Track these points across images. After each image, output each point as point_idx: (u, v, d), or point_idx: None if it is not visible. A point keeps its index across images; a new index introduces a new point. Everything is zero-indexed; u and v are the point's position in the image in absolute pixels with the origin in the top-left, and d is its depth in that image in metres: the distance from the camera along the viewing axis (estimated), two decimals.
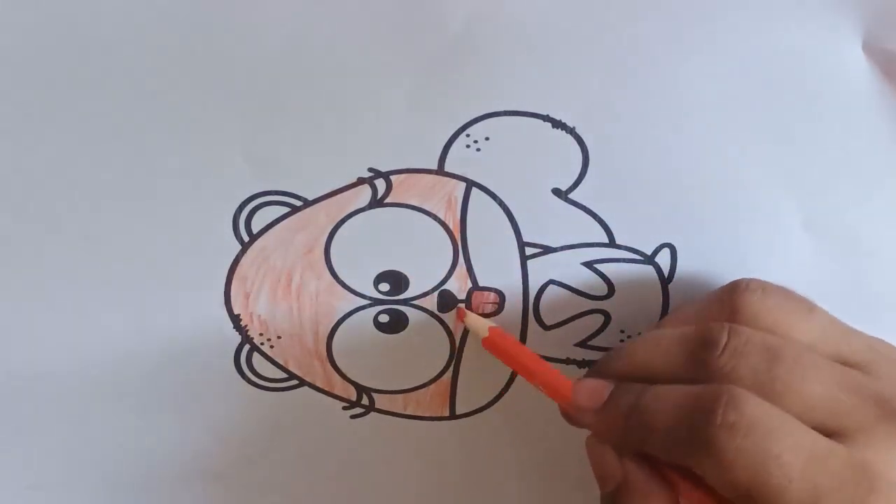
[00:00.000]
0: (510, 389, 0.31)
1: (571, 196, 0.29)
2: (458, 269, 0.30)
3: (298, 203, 0.28)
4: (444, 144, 0.28)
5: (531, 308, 0.30)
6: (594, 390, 0.26)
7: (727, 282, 0.29)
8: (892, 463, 0.22)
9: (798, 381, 0.23)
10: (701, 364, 0.24)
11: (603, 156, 0.28)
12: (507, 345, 0.29)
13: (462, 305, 0.30)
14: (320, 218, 0.29)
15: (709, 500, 0.23)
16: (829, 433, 0.23)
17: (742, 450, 0.22)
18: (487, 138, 0.28)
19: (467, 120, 0.28)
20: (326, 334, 0.30)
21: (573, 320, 0.30)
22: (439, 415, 0.31)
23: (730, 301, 0.26)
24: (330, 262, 0.29)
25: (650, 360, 0.25)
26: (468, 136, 0.28)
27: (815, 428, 0.23)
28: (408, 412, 0.31)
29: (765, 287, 0.26)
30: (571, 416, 0.26)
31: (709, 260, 0.30)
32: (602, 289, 0.30)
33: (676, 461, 0.24)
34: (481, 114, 0.28)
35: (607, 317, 0.30)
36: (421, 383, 0.31)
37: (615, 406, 0.25)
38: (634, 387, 0.25)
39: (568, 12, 0.26)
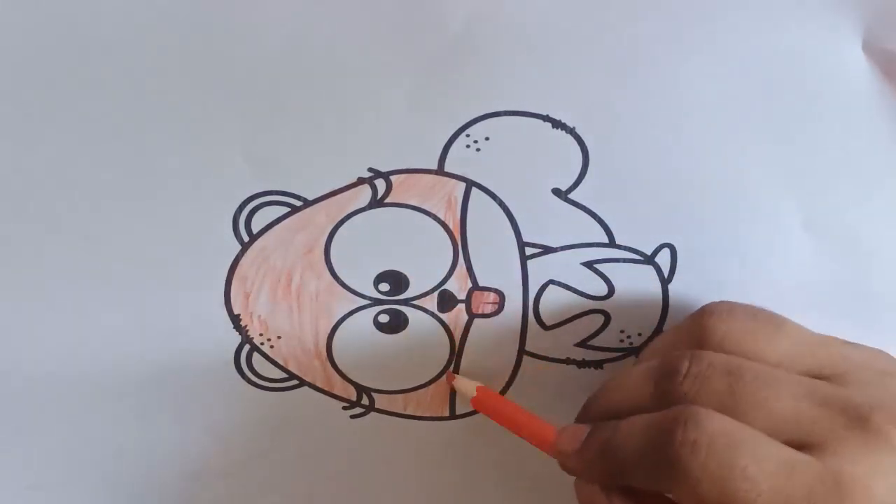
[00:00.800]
0: (510, 389, 0.31)
1: (571, 196, 0.29)
2: (458, 269, 0.30)
3: (298, 203, 0.28)
4: (444, 144, 0.28)
5: (531, 308, 0.30)
6: (573, 434, 0.26)
7: (728, 283, 0.30)
8: (866, 469, 0.22)
9: (762, 399, 0.23)
10: (665, 393, 0.24)
11: (603, 156, 0.28)
12: (493, 402, 0.30)
13: (451, 370, 0.31)
14: (320, 218, 0.29)
15: None
16: (799, 447, 0.23)
17: (706, 466, 0.22)
18: (487, 138, 0.28)
19: (467, 120, 0.28)
20: (326, 334, 0.30)
21: (573, 320, 0.30)
22: (439, 415, 0.32)
23: (696, 328, 0.26)
24: (330, 262, 0.29)
25: (620, 398, 0.26)
26: (468, 136, 0.28)
27: (785, 443, 0.23)
28: (408, 412, 0.31)
29: (731, 309, 0.26)
30: (561, 464, 0.27)
31: (709, 260, 0.30)
32: (602, 289, 0.30)
33: (652, 488, 0.24)
34: (481, 114, 0.28)
35: (607, 317, 0.30)
36: (421, 383, 0.31)
37: (590, 445, 0.26)
38: (608, 424, 0.25)
39: (568, 12, 0.26)
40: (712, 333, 0.26)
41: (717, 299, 0.30)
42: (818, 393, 0.24)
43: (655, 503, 0.25)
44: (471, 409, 0.31)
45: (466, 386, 0.30)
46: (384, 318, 0.30)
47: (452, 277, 0.30)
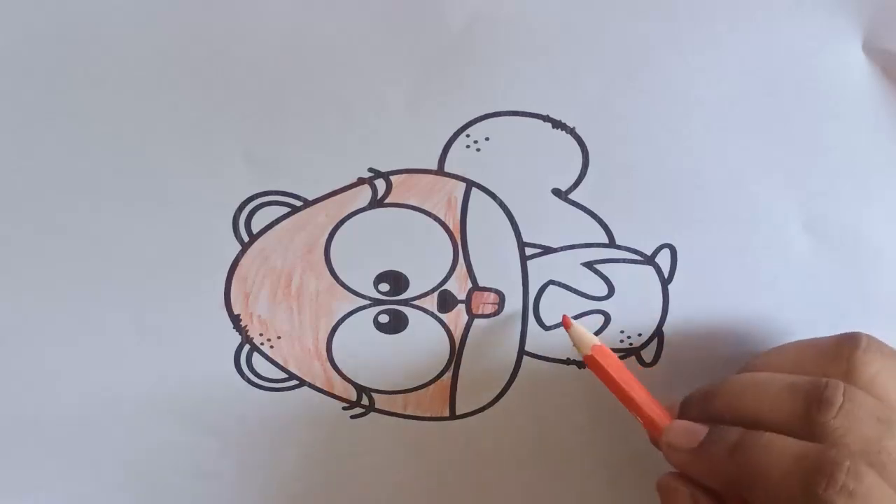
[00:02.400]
0: (510, 389, 0.31)
1: (571, 196, 0.29)
2: (458, 269, 0.30)
3: (298, 203, 0.28)
4: (444, 144, 0.28)
5: (531, 308, 0.30)
6: (689, 431, 0.26)
7: (728, 283, 0.29)
8: None
9: None
10: (814, 422, 0.24)
11: (603, 156, 0.28)
12: (609, 364, 0.29)
13: (566, 315, 0.29)
14: (320, 218, 0.29)
15: None
16: None
17: None
18: (487, 138, 0.28)
19: (467, 120, 0.28)
20: (326, 334, 0.30)
21: (573, 320, 0.30)
22: (439, 415, 0.31)
23: (846, 357, 0.26)
24: (330, 262, 0.29)
25: (757, 404, 0.26)
26: (468, 136, 0.28)
27: None
28: (408, 412, 0.31)
29: (881, 348, 0.26)
30: (667, 456, 0.27)
31: (709, 260, 0.30)
32: (602, 289, 0.30)
33: None
34: (481, 114, 0.28)
35: (607, 317, 0.30)
36: (421, 383, 0.31)
37: (717, 446, 0.25)
38: (735, 430, 0.25)
39: (568, 13, 0.26)
40: (864, 369, 0.25)
41: (717, 299, 0.30)
42: None
43: None
44: (471, 409, 0.31)
45: (584, 339, 0.29)
46: (384, 319, 0.30)
47: (452, 278, 0.30)
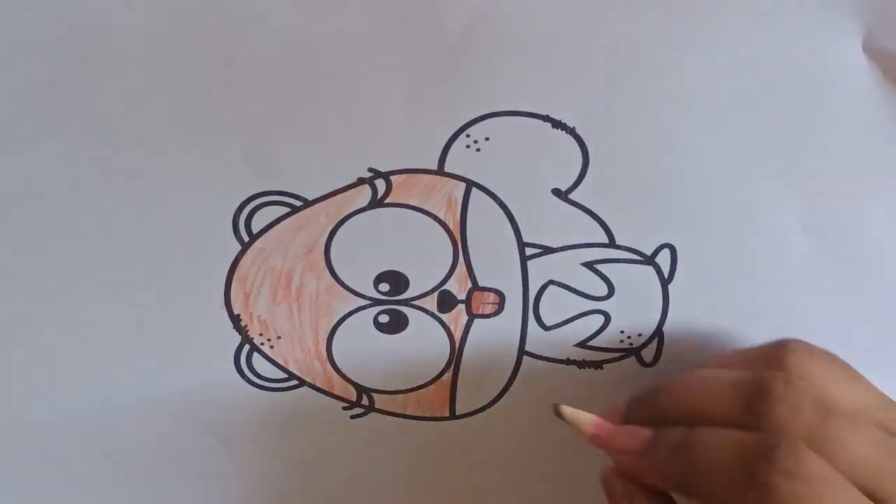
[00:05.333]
0: (510, 389, 0.31)
1: (571, 196, 0.29)
2: (458, 269, 0.30)
3: (298, 203, 0.28)
4: (444, 144, 0.28)
5: (531, 308, 0.30)
6: (636, 433, 0.26)
7: (728, 283, 0.29)
8: None
9: (847, 441, 0.24)
10: (755, 412, 0.24)
11: (603, 156, 0.28)
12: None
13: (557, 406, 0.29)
14: (320, 218, 0.29)
15: None
16: (870, 496, 0.23)
17: (799, 495, 0.22)
18: (487, 138, 0.28)
19: (467, 120, 0.28)
20: (326, 334, 0.30)
21: (573, 320, 0.30)
22: (439, 415, 0.31)
23: (778, 358, 0.26)
24: (330, 262, 0.29)
25: (701, 400, 0.26)
26: (468, 136, 0.28)
27: (857, 488, 0.23)
28: (408, 412, 0.31)
29: (812, 350, 0.26)
30: (615, 459, 0.27)
31: (709, 260, 0.30)
32: (602, 289, 0.30)
33: (720, 501, 0.24)
34: (481, 114, 0.28)
35: (607, 317, 0.30)
36: (421, 383, 0.31)
37: (661, 446, 0.26)
38: (678, 429, 0.26)
39: (568, 12, 0.26)
40: (795, 368, 0.26)
41: (717, 299, 0.30)
42: (893, 447, 0.24)
43: None
44: (471, 409, 0.31)
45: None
46: (384, 319, 0.30)
47: (452, 277, 0.30)
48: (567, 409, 0.28)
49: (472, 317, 0.30)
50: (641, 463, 0.26)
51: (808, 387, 0.25)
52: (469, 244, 0.29)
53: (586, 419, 0.28)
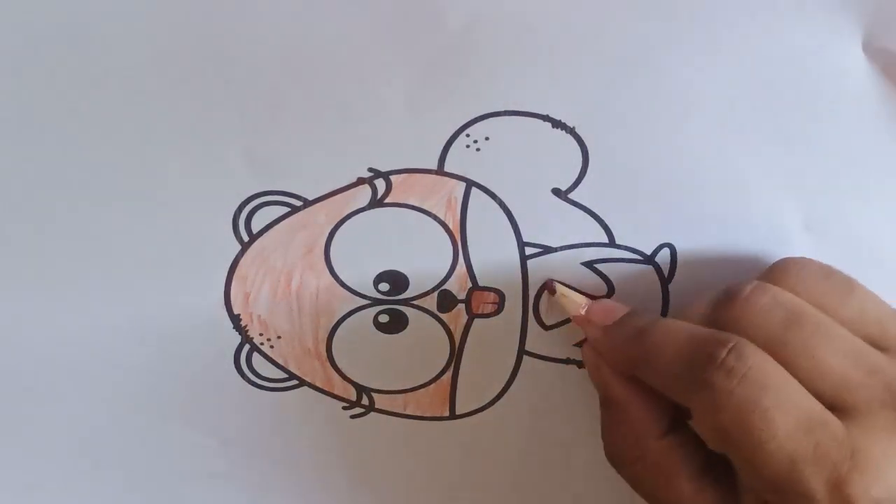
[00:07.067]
0: (510, 389, 0.31)
1: (571, 196, 0.29)
2: (458, 269, 0.30)
3: (298, 203, 0.28)
4: (444, 144, 0.28)
5: (531, 308, 0.30)
6: (608, 310, 0.27)
7: (727, 283, 0.29)
8: (886, 450, 0.22)
9: (812, 347, 0.23)
10: (719, 314, 0.24)
11: (603, 156, 0.28)
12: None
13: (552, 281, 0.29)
14: (320, 218, 0.29)
15: None
16: (831, 406, 0.23)
17: (733, 394, 0.22)
18: (487, 138, 0.28)
19: (467, 120, 0.28)
20: (326, 334, 0.30)
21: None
22: (439, 415, 0.31)
23: (770, 270, 0.26)
24: (330, 262, 0.29)
25: (686, 305, 0.26)
26: (468, 136, 0.28)
27: (817, 397, 0.23)
28: (408, 412, 0.31)
29: (805, 264, 0.26)
30: (584, 331, 0.27)
31: (709, 260, 0.30)
32: (602, 289, 0.30)
33: (667, 392, 0.24)
34: (481, 114, 0.28)
35: None
36: (421, 383, 0.31)
37: (623, 327, 0.26)
38: (647, 314, 0.26)
39: (568, 12, 0.26)
40: (785, 280, 0.25)
41: None
42: (869, 359, 0.23)
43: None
44: (471, 409, 0.31)
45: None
46: (384, 318, 0.30)
47: (452, 277, 0.30)
48: (561, 287, 0.28)
49: (472, 316, 0.30)
50: (606, 338, 0.26)
51: (782, 294, 0.24)
52: (469, 244, 0.29)
53: (578, 299, 0.28)
